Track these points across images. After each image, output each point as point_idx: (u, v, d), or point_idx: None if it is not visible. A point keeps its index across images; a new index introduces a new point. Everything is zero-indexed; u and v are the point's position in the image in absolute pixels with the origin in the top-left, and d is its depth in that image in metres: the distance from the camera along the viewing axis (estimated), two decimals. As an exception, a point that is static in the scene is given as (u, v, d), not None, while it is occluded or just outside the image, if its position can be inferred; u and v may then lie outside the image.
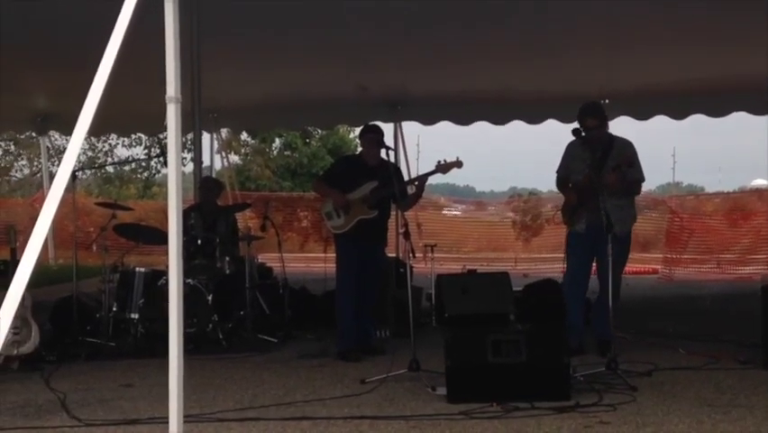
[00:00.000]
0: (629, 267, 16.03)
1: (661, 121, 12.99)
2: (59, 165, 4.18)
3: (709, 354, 6.89)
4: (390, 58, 10.17)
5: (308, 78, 11.33)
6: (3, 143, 30.35)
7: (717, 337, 7.74)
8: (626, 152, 7.18)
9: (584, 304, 7.46)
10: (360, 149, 7.80)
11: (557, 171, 7.49)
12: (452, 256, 17.66)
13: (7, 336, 4.00)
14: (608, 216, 6.50)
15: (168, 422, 4.05)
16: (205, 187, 9.15)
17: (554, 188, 7.91)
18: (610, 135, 7.34)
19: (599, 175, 6.95)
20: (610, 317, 6.38)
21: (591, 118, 7.12)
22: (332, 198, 7.36)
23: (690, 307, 10.73)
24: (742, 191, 24.56)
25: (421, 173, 7.58)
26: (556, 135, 7.60)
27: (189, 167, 12.10)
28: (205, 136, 13.42)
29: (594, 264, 7.33)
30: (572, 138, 7.16)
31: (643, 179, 7.43)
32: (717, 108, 12.76)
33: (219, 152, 15.79)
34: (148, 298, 7.86)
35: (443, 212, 22.31)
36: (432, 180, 7.50)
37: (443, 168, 7.22)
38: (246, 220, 13.75)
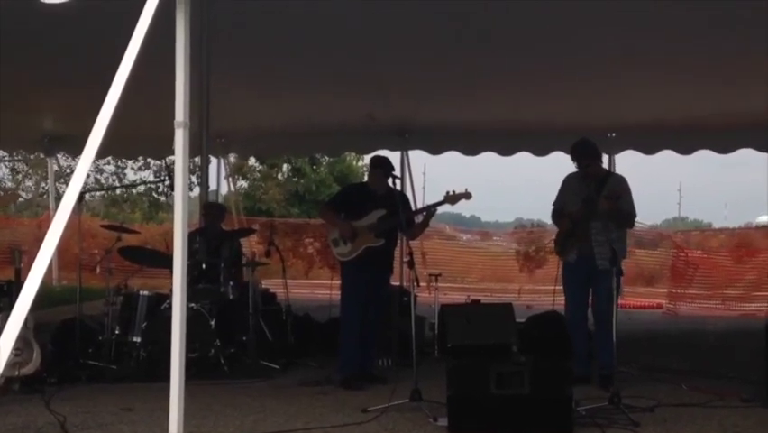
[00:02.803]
0: (634, 301, 16.16)
1: (667, 156, 13.02)
2: (66, 186, 4.21)
3: (713, 390, 6.85)
4: (399, 87, 10.21)
5: (316, 105, 11.38)
6: (9, 163, 30.47)
7: (721, 374, 7.69)
8: (617, 186, 7.34)
9: (587, 334, 7.48)
10: (367, 177, 7.81)
11: (553, 204, 7.67)
12: (457, 286, 17.62)
13: (9, 358, 4.00)
14: (613, 251, 6.71)
15: (167, 447, 4.04)
16: (207, 214, 9.20)
17: (560, 220, 8.00)
18: (607, 171, 7.63)
19: (593, 207, 7.10)
20: (614, 351, 6.42)
21: (581, 158, 7.38)
22: (338, 228, 7.37)
23: (694, 342, 10.68)
24: (747, 227, 24.52)
25: (429, 203, 7.59)
26: (562, 167, 7.65)
27: (195, 191, 12.12)
28: (213, 161, 13.50)
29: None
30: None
31: (635, 214, 7.53)
32: (724, 144, 12.76)
33: (228, 176, 15.82)
34: (151, 321, 7.84)
35: (462, 237, 22.50)
36: (438, 209, 7.52)
37: (451, 199, 7.22)
38: (251, 246, 13.74)
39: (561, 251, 7.55)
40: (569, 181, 7.55)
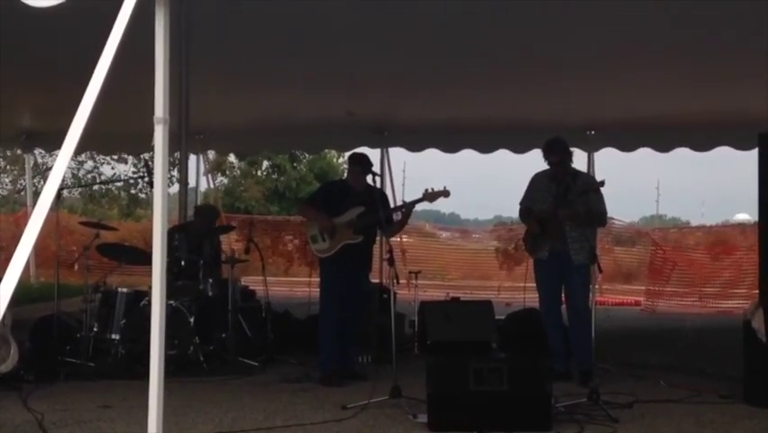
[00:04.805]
0: (612, 298, 16.23)
1: (645, 153, 13.09)
2: (44, 183, 4.17)
3: (691, 387, 6.90)
4: (379, 84, 10.21)
5: (296, 102, 11.35)
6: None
7: (699, 371, 7.75)
8: (592, 182, 7.49)
9: (563, 329, 7.52)
10: (346, 174, 7.82)
11: (520, 203, 7.73)
12: (436, 283, 17.66)
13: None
14: (591, 246, 6.77)
15: (146, 445, 4.02)
16: (202, 214, 9.18)
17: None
18: (575, 170, 7.65)
19: (565, 204, 7.18)
20: (592, 346, 6.48)
21: (553, 154, 7.45)
22: (318, 221, 7.36)
23: (673, 339, 10.75)
24: (724, 225, 24.69)
25: (408, 200, 7.61)
26: (541, 165, 7.71)
27: (174, 187, 12.06)
28: (192, 158, 13.42)
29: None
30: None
31: (606, 212, 7.60)
32: (702, 142, 12.84)
33: (207, 173, 15.76)
34: (129, 318, 7.81)
35: (442, 235, 22.56)
36: (417, 207, 7.53)
37: (429, 196, 7.24)
38: (231, 243, 13.70)
39: (531, 248, 7.58)
40: (537, 180, 7.63)
